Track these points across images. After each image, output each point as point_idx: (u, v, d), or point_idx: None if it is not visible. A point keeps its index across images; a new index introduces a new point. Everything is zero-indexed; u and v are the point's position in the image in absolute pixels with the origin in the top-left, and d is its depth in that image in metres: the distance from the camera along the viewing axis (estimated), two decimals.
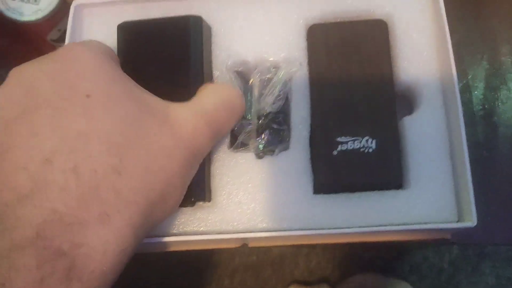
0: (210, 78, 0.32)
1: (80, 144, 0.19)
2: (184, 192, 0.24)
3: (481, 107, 0.35)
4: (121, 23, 0.30)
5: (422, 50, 0.33)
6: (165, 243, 0.31)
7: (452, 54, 0.31)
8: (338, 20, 0.34)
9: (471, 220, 0.28)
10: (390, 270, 0.38)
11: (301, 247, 0.38)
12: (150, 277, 0.38)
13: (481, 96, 0.36)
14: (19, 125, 0.19)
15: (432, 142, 0.31)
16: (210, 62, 0.33)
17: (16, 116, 0.19)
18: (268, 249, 0.38)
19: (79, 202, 0.18)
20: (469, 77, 0.36)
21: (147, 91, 0.24)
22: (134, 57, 0.29)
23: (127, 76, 0.23)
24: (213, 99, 0.25)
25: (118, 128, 0.20)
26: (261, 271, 0.38)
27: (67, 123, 0.19)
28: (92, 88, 0.20)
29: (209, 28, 0.33)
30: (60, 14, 0.39)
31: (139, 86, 0.24)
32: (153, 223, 0.22)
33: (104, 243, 0.18)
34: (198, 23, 0.31)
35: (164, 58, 0.28)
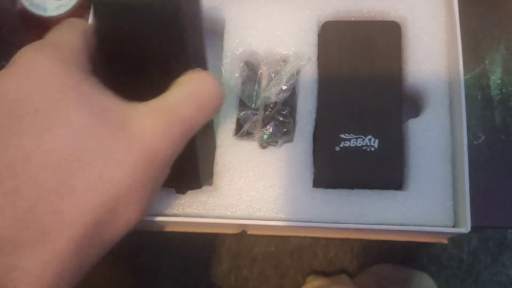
0: (201, 59, 0.28)
1: (23, 165, 0.19)
2: (146, 202, 0.22)
3: (498, 91, 0.35)
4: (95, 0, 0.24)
5: (432, 55, 0.33)
6: (164, 223, 0.32)
7: (462, 62, 0.31)
8: (352, 19, 0.34)
9: (465, 226, 0.29)
10: (409, 261, 0.38)
11: (319, 238, 0.38)
12: (171, 264, 0.38)
13: (499, 81, 0.36)
14: None
15: (435, 146, 0.31)
16: (200, 42, 0.27)
17: None
18: (286, 240, 0.38)
19: (14, 225, 0.18)
20: (486, 62, 0.36)
21: (107, 92, 0.22)
22: (111, 41, 0.25)
23: (87, 78, 0.22)
24: (178, 94, 0.23)
25: (64, 145, 0.19)
26: (280, 261, 0.38)
27: (13, 142, 0.19)
28: (41, 102, 0.19)
29: (196, 1, 0.27)
30: (83, 9, 0.40)
31: (100, 87, 0.22)
32: (105, 240, 0.21)
33: (42, 264, 0.18)
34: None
35: (142, 42, 0.24)
